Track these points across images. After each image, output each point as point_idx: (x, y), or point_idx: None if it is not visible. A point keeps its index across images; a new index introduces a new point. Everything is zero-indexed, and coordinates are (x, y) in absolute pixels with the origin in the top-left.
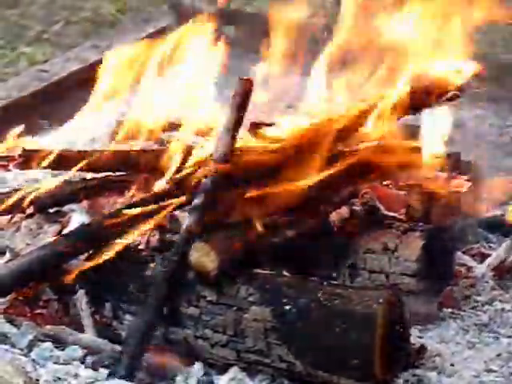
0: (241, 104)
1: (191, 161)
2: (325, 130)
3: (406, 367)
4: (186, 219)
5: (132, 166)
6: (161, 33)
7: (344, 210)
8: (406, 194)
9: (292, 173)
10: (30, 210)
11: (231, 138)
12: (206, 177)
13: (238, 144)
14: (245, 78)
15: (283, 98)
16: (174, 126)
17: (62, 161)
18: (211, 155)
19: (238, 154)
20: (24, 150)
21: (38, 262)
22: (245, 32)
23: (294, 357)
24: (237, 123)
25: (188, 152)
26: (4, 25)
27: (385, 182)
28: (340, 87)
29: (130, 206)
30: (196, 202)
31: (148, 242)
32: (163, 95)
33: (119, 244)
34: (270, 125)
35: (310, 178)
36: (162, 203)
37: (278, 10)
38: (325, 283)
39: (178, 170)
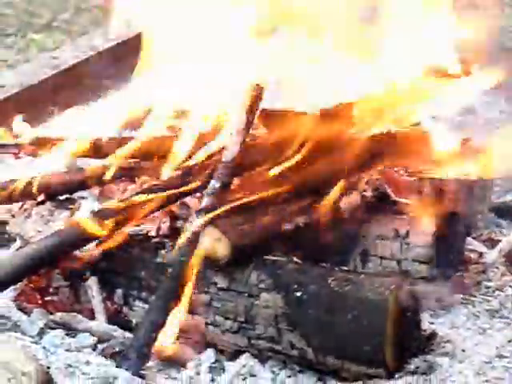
0: (250, 109)
1: (202, 148)
2: (335, 117)
3: (417, 353)
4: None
5: (143, 153)
6: None
7: (355, 197)
8: (416, 180)
9: (302, 160)
10: (40, 198)
11: (240, 141)
12: (218, 164)
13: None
14: (256, 83)
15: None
16: (185, 114)
17: (73, 148)
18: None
19: (249, 142)
20: (35, 138)
21: (48, 249)
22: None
23: (305, 343)
24: (246, 127)
25: (198, 140)
26: (14, 12)
27: (395, 168)
28: (348, 72)
29: (140, 193)
30: (210, 187)
31: (159, 228)
32: (173, 82)
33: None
34: (280, 112)
35: (321, 165)
36: (173, 190)
37: None
38: (336, 269)
39: (189, 158)
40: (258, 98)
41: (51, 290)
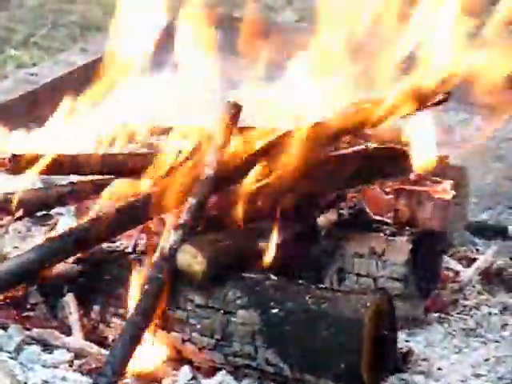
0: (228, 127)
1: (179, 165)
2: (313, 134)
3: (393, 371)
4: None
5: (120, 169)
6: None
7: (332, 214)
8: (393, 197)
9: (279, 178)
10: (18, 214)
11: (218, 159)
12: (195, 181)
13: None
14: (232, 101)
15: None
16: (161, 130)
17: (51, 165)
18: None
19: (227, 159)
20: (13, 154)
21: (26, 265)
22: (233, 36)
23: (282, 360)
24: (224, 145)
25: (176, 157)
26: None
27: (372, 186)
28: (329, 90)
29: (118, 210)
30: (188, 204)
31: (135, 245)
32: (150, 98)
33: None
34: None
35: (297, 182)
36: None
37: (265, 14)
38: (312, 287)
39: (166, 174)
40: (235, 116)
41: (28, 305)
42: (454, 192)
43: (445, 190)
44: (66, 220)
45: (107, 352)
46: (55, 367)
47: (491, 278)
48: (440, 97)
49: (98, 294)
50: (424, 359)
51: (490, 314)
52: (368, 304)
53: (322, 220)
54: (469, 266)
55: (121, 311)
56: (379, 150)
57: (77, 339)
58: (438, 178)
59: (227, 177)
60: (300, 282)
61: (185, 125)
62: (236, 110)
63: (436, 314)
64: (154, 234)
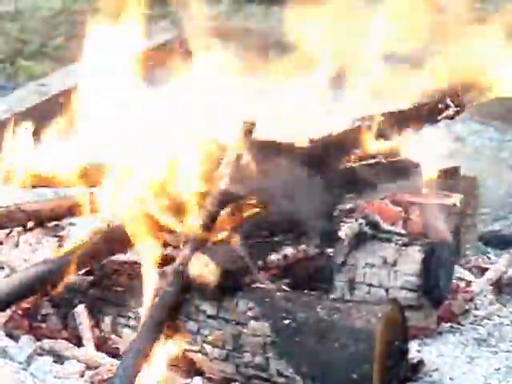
0: (241, 143)
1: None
2: (325, 146)
3: (405, 381)
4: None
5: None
6: (161, 48)
7: (354, 225)
8: (404, 208)
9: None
10: (29, 224)
11: (230, 174)
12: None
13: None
14: (247, 120)
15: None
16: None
17: (59, 177)
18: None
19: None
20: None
21: (37, 277)
22: (242, 48)
23: (293, 371)
24: (236, 160)
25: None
26: (4, 39)
27: (383, 198)
28: (336, 103)
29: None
30: (200, 216)
31: None
32: (165, 110)
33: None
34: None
35: (309, 196)
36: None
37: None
38: (324, 297)
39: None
40: (248, 133)
41: (40, 317)
42: (462, 204)
43: (454, 202)
44: (77, 231)
45: (118, 363)
46: (66, 378)
47: (503, 288)
48: (453, 110)
49: (108, 306)
50: (435, 369)
51: (501, 323)
52: (380, 314)
53: (347, 230)
54: (480, 275)
55: (132, 322)
56: (392, 162)
57: (88, 350)
58: (447, 192)
59: (239, 191)
60: (311, 292)
61: (198, 139)
62: (250, 127)
63: (447, 324)
64: (165, 246)
